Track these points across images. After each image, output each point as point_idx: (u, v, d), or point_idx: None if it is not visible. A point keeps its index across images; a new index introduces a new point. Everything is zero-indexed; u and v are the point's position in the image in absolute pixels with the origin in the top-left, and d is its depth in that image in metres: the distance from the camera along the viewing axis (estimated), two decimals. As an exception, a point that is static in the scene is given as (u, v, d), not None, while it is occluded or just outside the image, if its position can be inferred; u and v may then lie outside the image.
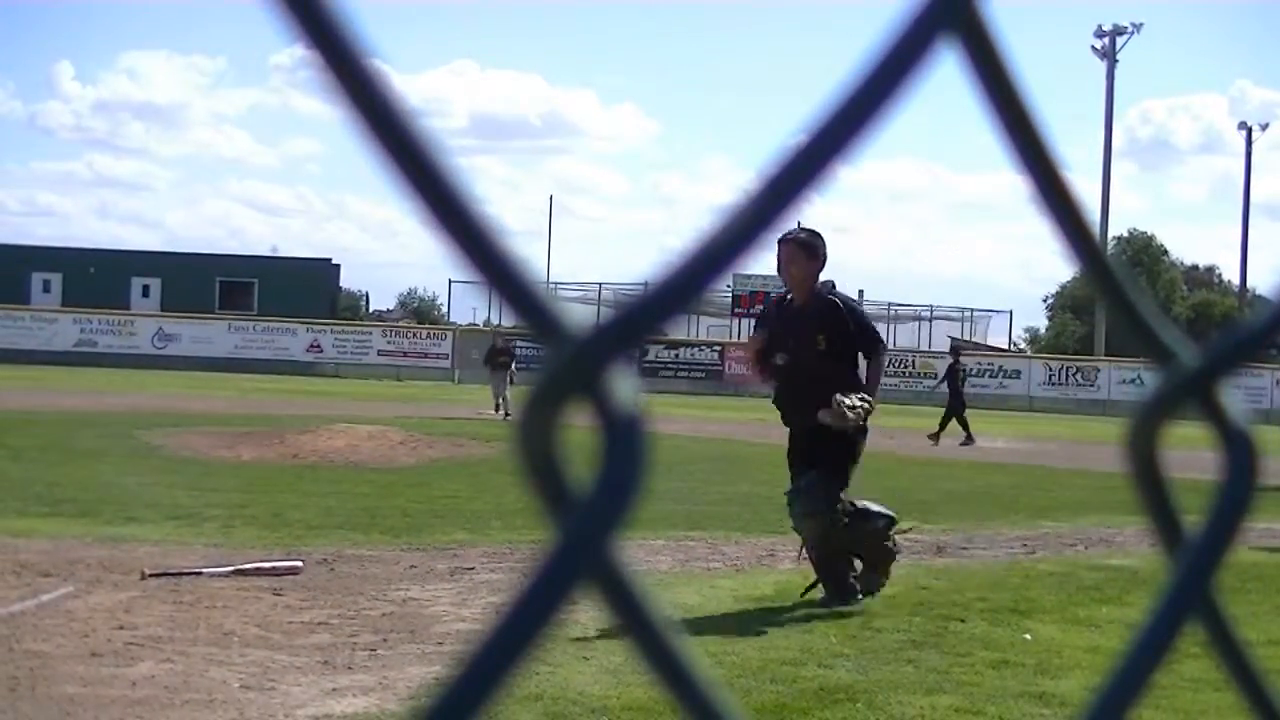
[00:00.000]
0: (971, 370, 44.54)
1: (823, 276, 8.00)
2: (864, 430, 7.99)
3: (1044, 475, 18.03)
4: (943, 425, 24.58)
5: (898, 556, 8.23)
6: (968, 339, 54.89)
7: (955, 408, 25.16)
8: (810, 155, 0.48)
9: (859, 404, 7.81)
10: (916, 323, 57.07)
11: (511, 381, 26.10)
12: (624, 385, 0.45)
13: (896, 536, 8.21)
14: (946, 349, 31.97)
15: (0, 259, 49.91)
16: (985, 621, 7.66)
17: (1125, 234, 74.70)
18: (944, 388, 26.63)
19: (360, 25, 0.42)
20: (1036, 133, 0.56)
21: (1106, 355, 46.90)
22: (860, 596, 7.92)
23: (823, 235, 8.01)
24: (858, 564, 8.10)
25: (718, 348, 45.91)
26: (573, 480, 0.46)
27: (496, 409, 25.71)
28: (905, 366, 45.14)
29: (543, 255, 69.26)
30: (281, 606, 7.44)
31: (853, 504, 8.04)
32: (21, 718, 5.26)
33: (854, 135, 0.48)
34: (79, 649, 6.27)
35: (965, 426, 24.59)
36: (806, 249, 7.83)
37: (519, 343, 27.24)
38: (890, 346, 51.19)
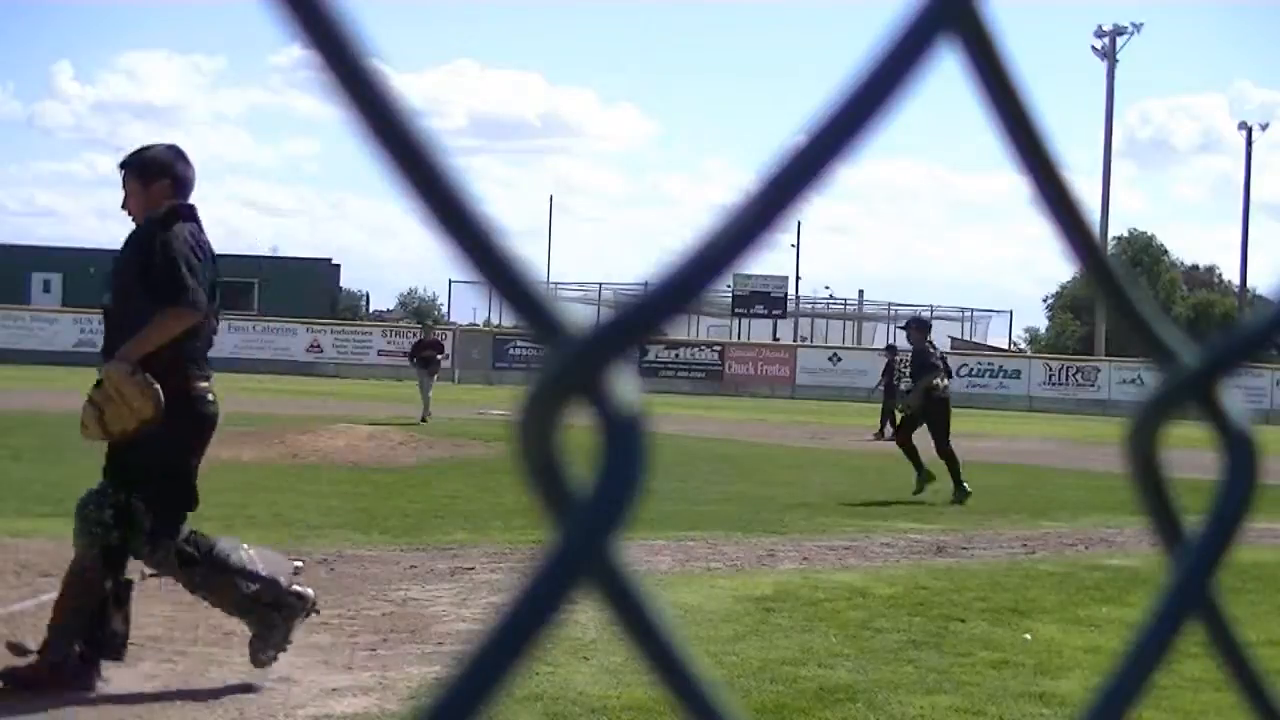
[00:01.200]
0: (972, 370, 44.69)
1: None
2: (166, 424, 5.60)
3: (1044, 475, 18.03)
4: (884, 420, 25.05)
5: (288, 636, 5.88)
6: (968, 339, 54.91)
7: (887, 404, 25.73)
8: (811, 155, 0.48)
9: (125, 391, 5.58)
10: (916, 323, 57.02)
11: (434, 378, 23.87)
12: (624, 385, 0.45)
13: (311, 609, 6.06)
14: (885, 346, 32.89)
15: (0, 259, 49.89)
16: (985, 621, 7.66)
17: (1125, 234, 74.72)
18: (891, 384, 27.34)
19: (360, 25, 0.42)
20: (1036, 133, 0.56)
21: (1106, 355, 46.89)
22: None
23: (180, 150, 5.97)
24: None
25: (718, 348, 45.90)
26: (573, 480, 0.46)
27: (425, 416, 22.81)
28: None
29: (543, 255, 69.25)
30: (281, 606, 7.44)
31: (200, 542, 5.81)
32: (22, 717, 5.26)
33: (854, 135, 0.48)
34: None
35: (884, 423, 25.08)
36: (139, 172, 5.80)
37: (443, 336, 25.42)
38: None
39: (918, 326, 15.48)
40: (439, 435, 19.18)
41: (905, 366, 26.84)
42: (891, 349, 29.45)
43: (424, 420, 22.19)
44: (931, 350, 15.13)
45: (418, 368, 23.86)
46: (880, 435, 24.89)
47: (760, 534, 11.01)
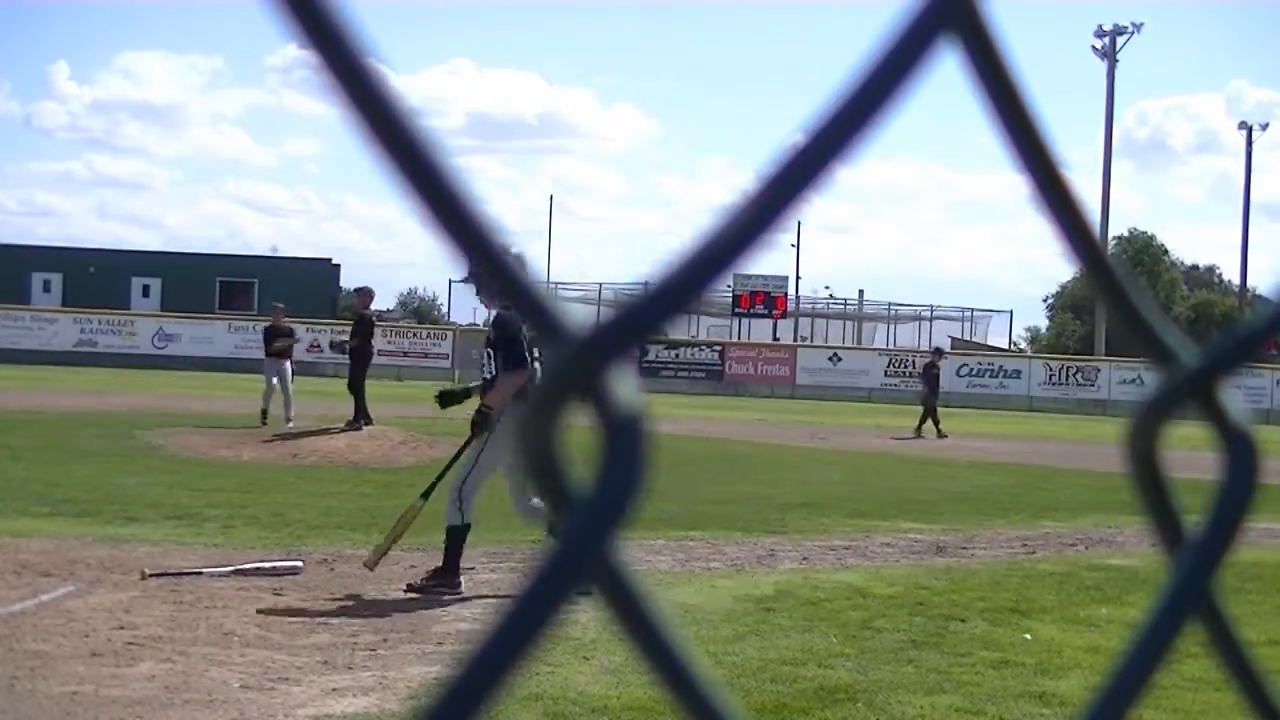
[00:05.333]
0: (972, 370, 44.70)
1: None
2: None
3: (1044, 475, 18.03)
4: (932, 421, 25.77)
5: None
6: (968, 339, 54.91)
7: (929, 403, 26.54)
8: (811, 155, 0.48)
9: None
10: (917, 323, 57.08)
11: (293, 371, 20.31)
12: (624, 385, 0.45)
13: None
14: (932, 349, 33.15)
15: (0, 259, 49.90)
16: (985, 621, 7.67)
17: (1125, 234, 74.70)
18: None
19: (358, 24, 0.42)
20: (1036, 133, 0.56)
21: (1106, 355, 46.87)
22: None
23: None
24: None
25: (718, 348, 45.90)
26: (573, 480, 0.46)
27: (274, 415, 19.50)
28: (905, 366, 45.13)
29: (543, 255, 69.18)
30: (282, 606, 7.44)
31: None
32: (21, 718, 5.26)
33: (855, 135, 0.48)
34: (79, 649, 6.27)
35: (924, 421, 26.00)
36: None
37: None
38: (890, 346, 50.78)
39: (358, 293, 20.50)
40: (439, 435, 19.17)
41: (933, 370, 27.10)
42: (938, 352, 29.86)
43: (287, 422, 19.07)
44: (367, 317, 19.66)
45: (269, 359, 20.35)
46: (918, 433, 25.35)
47: (760, 534, 11.00)
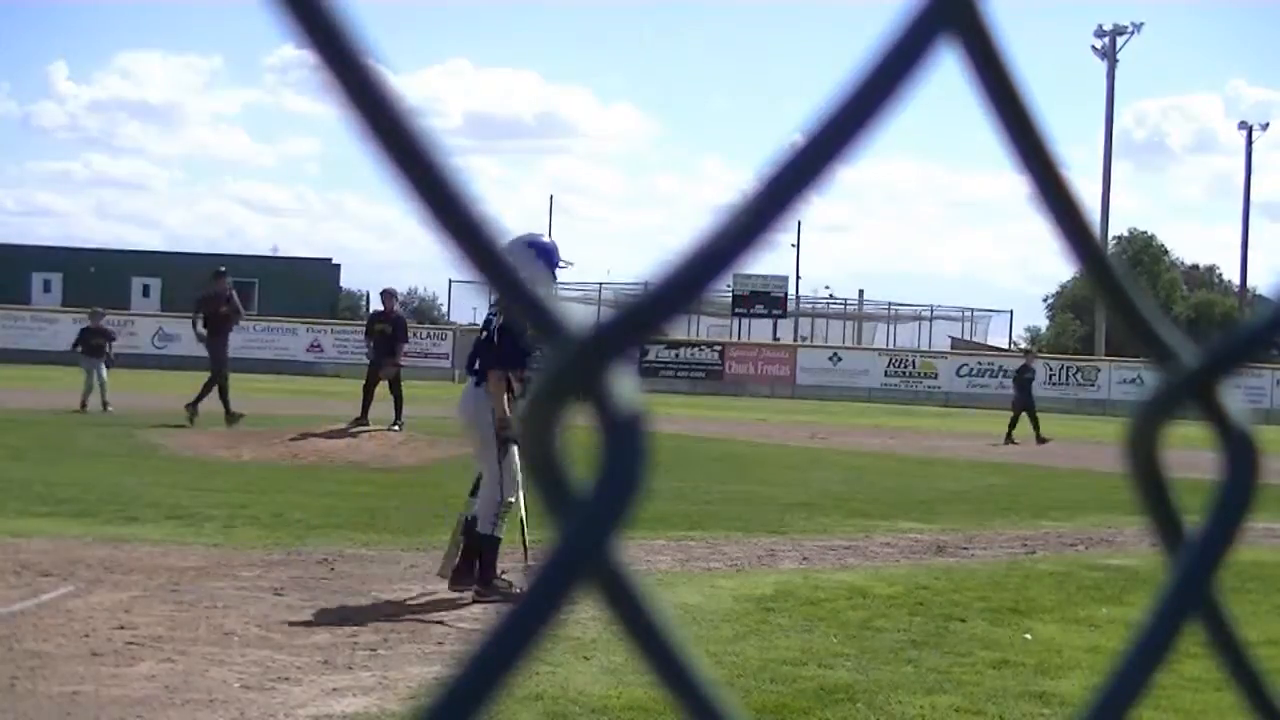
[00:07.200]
0: (972, 370, 44.72)
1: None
2: None
3: (1044, 475, 18.03)
4: (1032, 426, 25.02)
5: None
6: (968, 339, 54.90)
7: (1025, 406, 25.77)
8: (811, 155, 0.47)
9: None
10: (916, 323, 57.06)
11: (109, 365, 22.71)
12: (624, 385, 0.45)
13: None
14: (1022, 350, 32.03)
15: (0, 259, 49.90)
16: (985, 621, 7.67)
17: (1125, 234, 74.69)
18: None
19: (356, 23, 0.42)
20: (1036, 133, 0.56)
21: (1107, 355, 46.85)
22: None
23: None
24: None
25: (718, 348, 45.89)
26: (573, 480, 0.46)
27: (87, 404, 22.07)
28: (905, 366, 45.12)
29: (542, 255, 68.95)
30: (282, 606, 7.44)
31: None
32: (21, 717, 5.26)
33: (855, 135, 0.48)
34: (79, 649, 6.27)
35: (1014, 425, 25.20)
36: None
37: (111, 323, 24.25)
38: (890, 347, 50.71)
39: (387, 295, 20.28)
40: (439, 435, 19.16)
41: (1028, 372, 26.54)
42: (1029, 352, 29.33)
43: (105, 408, 21.59)
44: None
45: (84, 356, 22.58)
46: (1009, 439, 24.58)
47: (760, 534, 11.00)
